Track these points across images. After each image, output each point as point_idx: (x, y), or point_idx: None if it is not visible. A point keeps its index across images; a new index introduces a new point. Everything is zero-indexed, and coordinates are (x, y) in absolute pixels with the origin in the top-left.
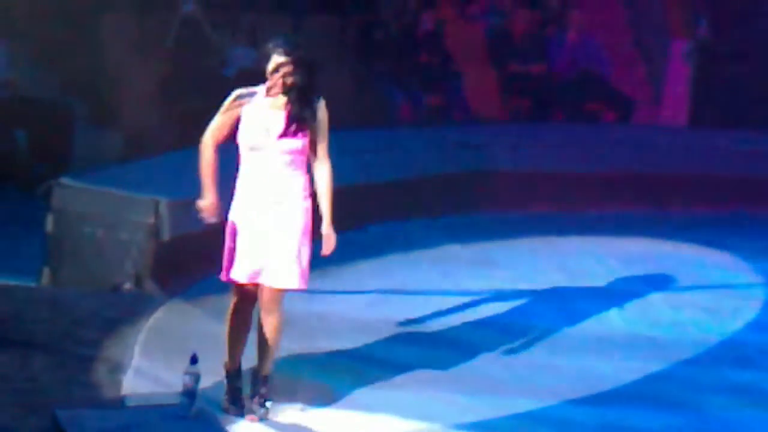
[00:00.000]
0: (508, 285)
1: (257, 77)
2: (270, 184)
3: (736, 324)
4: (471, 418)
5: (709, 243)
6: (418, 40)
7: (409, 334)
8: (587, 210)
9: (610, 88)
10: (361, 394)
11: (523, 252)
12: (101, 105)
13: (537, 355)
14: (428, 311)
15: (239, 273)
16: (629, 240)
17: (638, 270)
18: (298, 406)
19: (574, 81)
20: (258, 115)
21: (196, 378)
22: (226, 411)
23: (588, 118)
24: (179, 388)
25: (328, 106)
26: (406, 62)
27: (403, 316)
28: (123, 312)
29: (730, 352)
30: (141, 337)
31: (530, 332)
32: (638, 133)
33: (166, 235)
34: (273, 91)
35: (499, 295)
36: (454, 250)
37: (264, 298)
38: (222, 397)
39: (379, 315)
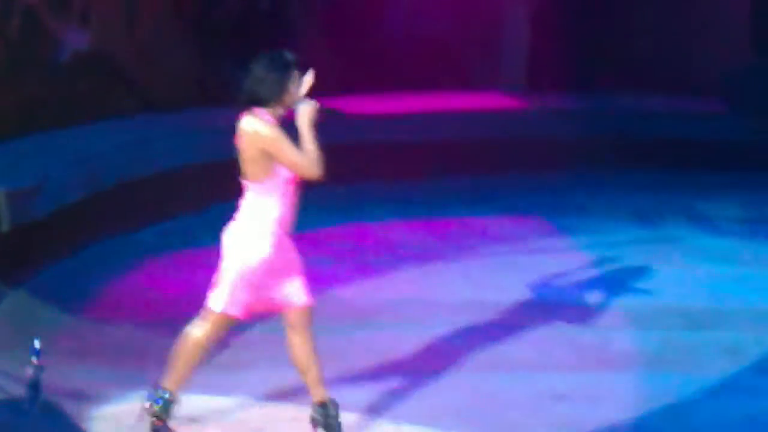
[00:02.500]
0: (351, 257)
1: (92, 61)
2: (293, 214)
3: (534, 277)
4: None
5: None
6: (257, 18)
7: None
8: (402, 180)
9: (448, 54)
10: (210, 376)
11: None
12: None
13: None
14: None
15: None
16: (441, 209)
17: (454, 238)
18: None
19: (412, 48)
20: None
21: (40, 370)
22: None
23: (427, 86)
24: (24, 380)
25: (172, 86)
26: (246, 40)
27: None
28: None
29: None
30: None
31: (349, 303)
32: (474, 99)
33: (5, 226)
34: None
35: (335, 267)
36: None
37: (296, 318)
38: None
39: None
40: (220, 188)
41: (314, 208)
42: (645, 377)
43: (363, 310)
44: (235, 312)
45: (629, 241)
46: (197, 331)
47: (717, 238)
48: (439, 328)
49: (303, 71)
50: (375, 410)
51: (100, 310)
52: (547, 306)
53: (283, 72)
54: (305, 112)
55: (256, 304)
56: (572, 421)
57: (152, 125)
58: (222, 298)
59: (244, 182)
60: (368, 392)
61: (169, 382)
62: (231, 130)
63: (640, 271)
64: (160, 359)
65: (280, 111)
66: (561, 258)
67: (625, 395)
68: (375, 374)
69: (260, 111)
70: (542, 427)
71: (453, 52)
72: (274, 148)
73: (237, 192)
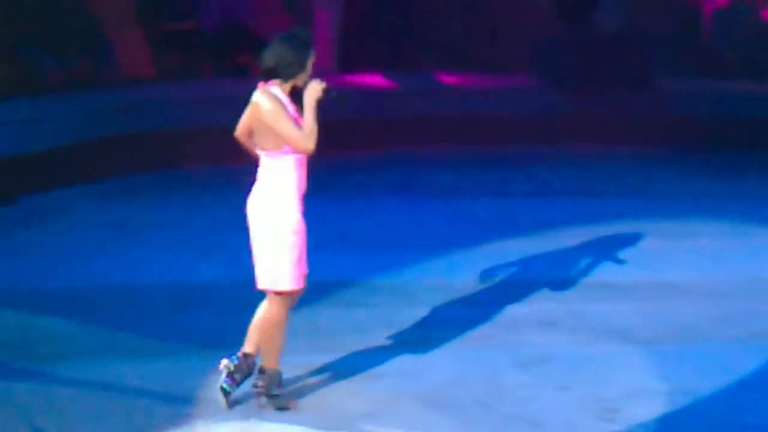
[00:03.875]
0: (173, 243)
1: None
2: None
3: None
4: None
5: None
6: (64, 6)
7: (71, 299)
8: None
9: (258, 39)
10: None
11: (194, 209)
12: None
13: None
14: (101, 275)
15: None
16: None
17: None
18: None
19: (223, 35)
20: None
21: None
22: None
23: (238, 72)
24: None
25: None
26: (53, 29)
27: (73, 283)
28: None
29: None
30: None
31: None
32: None
33: None
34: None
35: (157, 254)
36: (114, 214)
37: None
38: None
39: (51, 284)
40: (29, 180)
41: None
42: (463, 352)
43: None
44: (301, 284)
45: (437, 217)
46: (275, 313)
47: (521, 211)
48: None
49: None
50: None
51: None
52: (366, 285)
53: (303, 51)
54: (315, 90)
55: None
56: (388, 397)
57: None
58: (291, 276)
59: (261, 153)
60: None
61: (269, 362)
62: (39, 120)
63: (455, 248)
64: None
65: (289, 86)
66: (378, 239)
67: (442, 370)
68: None
69: (273, 84)
70: (358, 406)
71: (264, 37)
72: (271, 121)
73: (47, 183)
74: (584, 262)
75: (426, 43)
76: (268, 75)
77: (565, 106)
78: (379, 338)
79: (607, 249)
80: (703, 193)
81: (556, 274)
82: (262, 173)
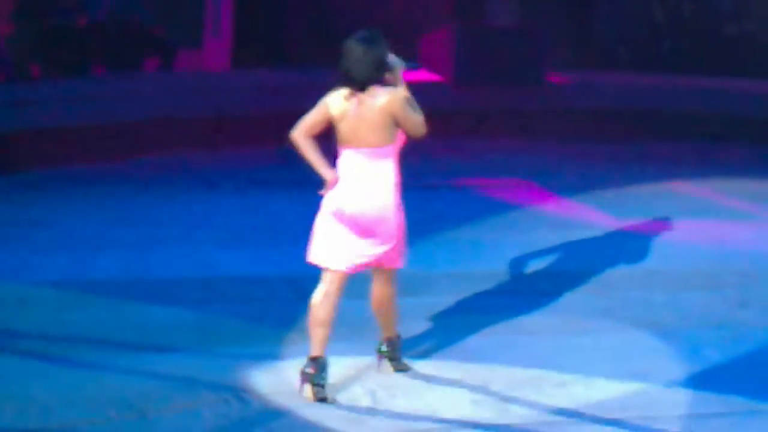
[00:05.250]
0: (63, 241)
1: None
2: None
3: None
4: None
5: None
6: None
7: None
8: (137, 158)
9: (150, 36)
10: None
11: (83, 207)
12: None
13: None
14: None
15: None
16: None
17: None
18: None
19: (114, 31)
20: None
21: None
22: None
23: (130, 67)
24: None
25: None
26: None
27: None
28: None
29: None
30: None
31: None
32: (180, 78)
33: None
34: None
35: (48, 252)
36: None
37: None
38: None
39: None
40: None
41: None
42: (353, 347)
43: None
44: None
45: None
46: (388, 289)
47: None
48: None
49: None
50: None
51: None
52: (261, 280)
53: (384, 51)
54: (401, 70)
55: None
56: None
57: None
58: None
59: (370, 150)
60: None
61: (388, 331)
62: None
63: None
64: None
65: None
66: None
67: (332, 365)
68: None
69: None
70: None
71: (156, 33)
72: (405, 109)
73: None
74: (472, 254)
75: (311, 38)
76: (363, 86)
77: (458, 100)
78: (274, 331)
79: (496, 240)
80: (597, 185)
81: (443, 267)
82: (371, 170)
